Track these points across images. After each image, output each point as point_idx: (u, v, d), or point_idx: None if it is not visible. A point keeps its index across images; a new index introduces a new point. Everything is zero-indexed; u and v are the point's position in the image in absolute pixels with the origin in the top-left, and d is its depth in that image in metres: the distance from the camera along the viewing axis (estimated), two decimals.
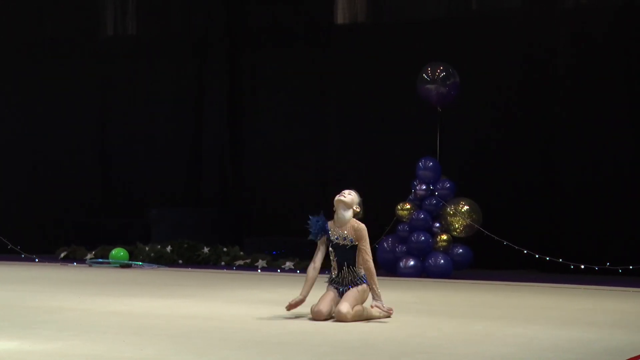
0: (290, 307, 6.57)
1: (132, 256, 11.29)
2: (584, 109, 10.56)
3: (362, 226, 6.58)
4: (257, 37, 12.41)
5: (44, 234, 12.68)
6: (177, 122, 12.85)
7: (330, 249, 6.59)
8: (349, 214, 6.58)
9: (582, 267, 9.48)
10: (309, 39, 12.08)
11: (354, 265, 6.55)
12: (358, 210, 6.63)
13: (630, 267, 9.33)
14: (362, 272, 6.57)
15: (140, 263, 11.11)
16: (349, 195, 6.61)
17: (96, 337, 5.60)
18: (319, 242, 6.65)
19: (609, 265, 9.36)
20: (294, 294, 6.56)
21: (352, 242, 6.53)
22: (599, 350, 5.34)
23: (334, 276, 6.61)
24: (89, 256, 11.59)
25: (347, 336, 5.73)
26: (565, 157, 10.69)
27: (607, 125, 10.45)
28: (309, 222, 6.66)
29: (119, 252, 11.10)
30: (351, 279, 6.55)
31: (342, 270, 6.56)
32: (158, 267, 11.05)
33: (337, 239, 6.56)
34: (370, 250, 6.58)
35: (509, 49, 10.89)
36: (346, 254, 6.54)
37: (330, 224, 6.63)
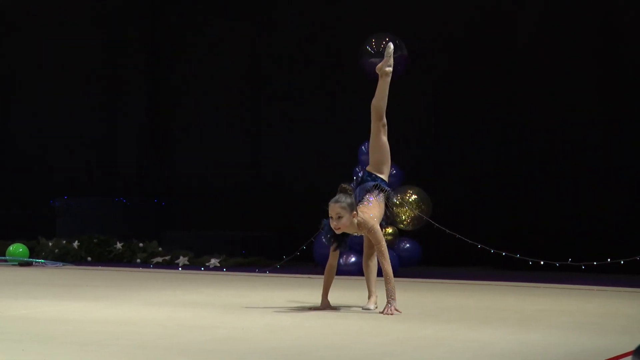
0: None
1: (33, 253, 11.18)
2: (547, 89, 10.72)
3: (368, 221, 6.74)
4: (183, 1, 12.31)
5: None
6: (87, 100, 12.68)
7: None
8: (352, 224, 6.74)
9: (542, 263, 9.64)
10: (244, 6, 12.00)
11: None
12: (355, 213, 6.74)
13: (595, 263, 9.51)
14: None
15: (43, 261, 11.01)
16: (338, 214, 6.69)
17: None
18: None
19: (571, 262, 9.53)
20: (220, 294, 6.54)
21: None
22: (560, 356, 5.44)
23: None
24: None
25: (280, 343, 5.74)
26: (525, 144, 10.85)
27: (571, 108, 10.61)
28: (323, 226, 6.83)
29: (17, 249, 10.99)
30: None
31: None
32: (63, 265, 10.96)
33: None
34: (385, 250, 6.74)
35: (459, 11, 10.93)
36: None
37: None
